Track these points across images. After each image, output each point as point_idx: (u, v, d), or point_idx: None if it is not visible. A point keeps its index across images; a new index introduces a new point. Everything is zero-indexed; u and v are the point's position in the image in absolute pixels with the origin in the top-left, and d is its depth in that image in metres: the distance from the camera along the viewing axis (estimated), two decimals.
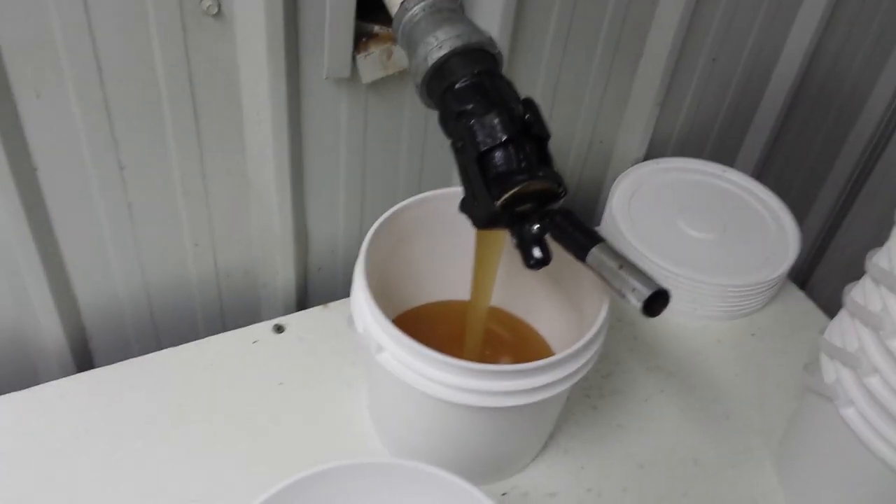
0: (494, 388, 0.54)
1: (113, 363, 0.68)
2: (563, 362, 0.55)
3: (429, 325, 0.70)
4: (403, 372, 0.54)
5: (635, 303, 0.48)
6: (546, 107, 0.81)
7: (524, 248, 0.54)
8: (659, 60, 0.84)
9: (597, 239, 0.51)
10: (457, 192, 0.64)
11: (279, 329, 0.73)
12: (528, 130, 0.53)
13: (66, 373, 0.70)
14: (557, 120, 0.84)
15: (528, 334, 0.72)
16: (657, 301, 0.48)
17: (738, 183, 0.91)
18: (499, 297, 0.69)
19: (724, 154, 1.04)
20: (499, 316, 0.73)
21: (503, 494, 0.65)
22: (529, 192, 0.52)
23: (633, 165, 0.92)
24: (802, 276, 1.13)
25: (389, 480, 0.54)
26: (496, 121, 0.52)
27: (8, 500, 0.59)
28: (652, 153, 0.94)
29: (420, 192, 0.76)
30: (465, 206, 0.56)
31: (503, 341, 0.72)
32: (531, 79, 0.78)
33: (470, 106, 0.53)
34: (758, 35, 0.92)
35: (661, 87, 0.86)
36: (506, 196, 0.52)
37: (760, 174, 1.08)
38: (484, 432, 0.60)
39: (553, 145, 0.55)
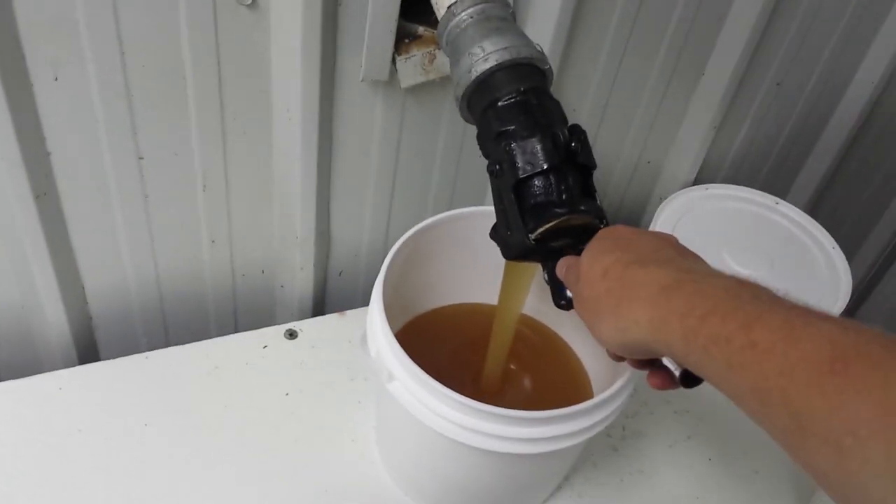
0: (511, 434, 0.50)
1: (119, 357, 0.66)
2: (590, 411, 0.51)
3: (452, 327, 0.66)
4: (413, 405, 0.51)
5: (673, 370, 0.44)
6: (594, 122, 0.77)
7: (555, 286, 0.50)
8: (720, 81, 0.79)
9: None
10: (489, 211, 0.60)
11: (292, 335, 0.70)
12: (573, 159, 0.49)
13: (68, 364, 0.67)
14: (605, 136, 0.80)
15: (556, 345, 0.67)
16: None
17: (790, 217, 0.86)
18: (528, 304, 0.64)
19: (778, 184, 0.98)
20: (527, 322, 0.68)
21: None
22: (568, 226, 0.48)
23: (680, 189, 0.86)
24: (845, 316, 1.07)
25: None
26: (539, 146, 0.48)
27: None
28: (702, 178, 0.89)
29: (452, 205, 0.72)
30: (497, 234, 0.53)
31: (530, 352, 0.66)
32: (581, 92, 0.73)
33: (512, 127, 0.49)
34: (828, 61, 0.86)
35: (719, 109, 0.81)
36: (541, 230, 0.48)
37: (814, 207, 1.02)
38: (493, 475, 0.56)
39: (598, 162, 0.51)
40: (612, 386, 0.52)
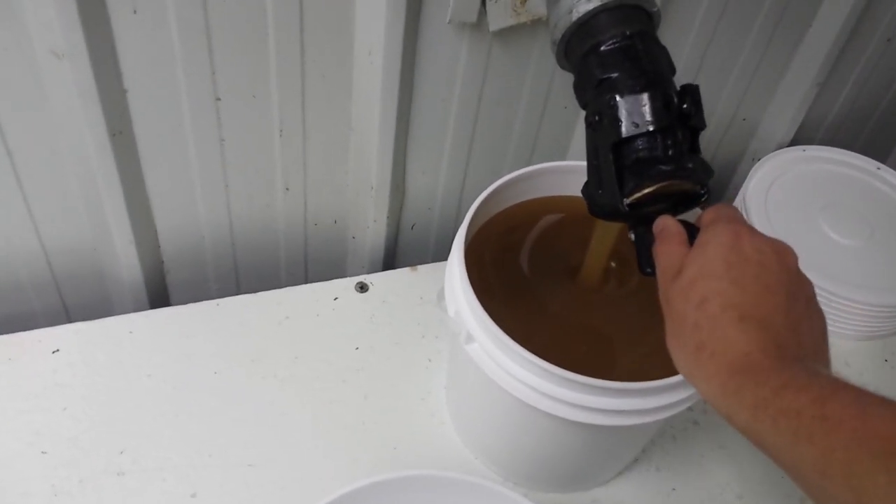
0: (596, 405, 0.47)
1: (189, 302, 0.65)
2: (678, 385, 0.48)
3: (541, 216, 0.60)
4: (493, 368, 0.49)
5: None
6: (690, 73, 0.72)
7: (642, 252, 0.46)
8: (828, 35, 0.73)
9: None
10: (573, 167, 0.57)
11: (363, 288, 0.68)
12: (685, 122, 0.45)
13: (139, 307, 0.67)
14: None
15: None
16: None
17: (892, 183, 0.80)
18: None
19: (879, 147, 0.92)
20: None
21: None
22: (667, 192, 0.45)
23: (776, 150, 0.81)
24: None
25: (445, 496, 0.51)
26: (647, 106, 0.44)
27: (60, 437, 0.57)
28: (799, 138, 0.83)
29: (532, 160, 0.68)
30: (588, 191, 0.49)
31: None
32: (678, 41, 0.68)
33: (615, 74, 0.45)
34: None
35: (824, 65, 0.75)
36: (638, 195, 0.44)
37: None
38: (571, 444, 0.54)
39: None
40: None
